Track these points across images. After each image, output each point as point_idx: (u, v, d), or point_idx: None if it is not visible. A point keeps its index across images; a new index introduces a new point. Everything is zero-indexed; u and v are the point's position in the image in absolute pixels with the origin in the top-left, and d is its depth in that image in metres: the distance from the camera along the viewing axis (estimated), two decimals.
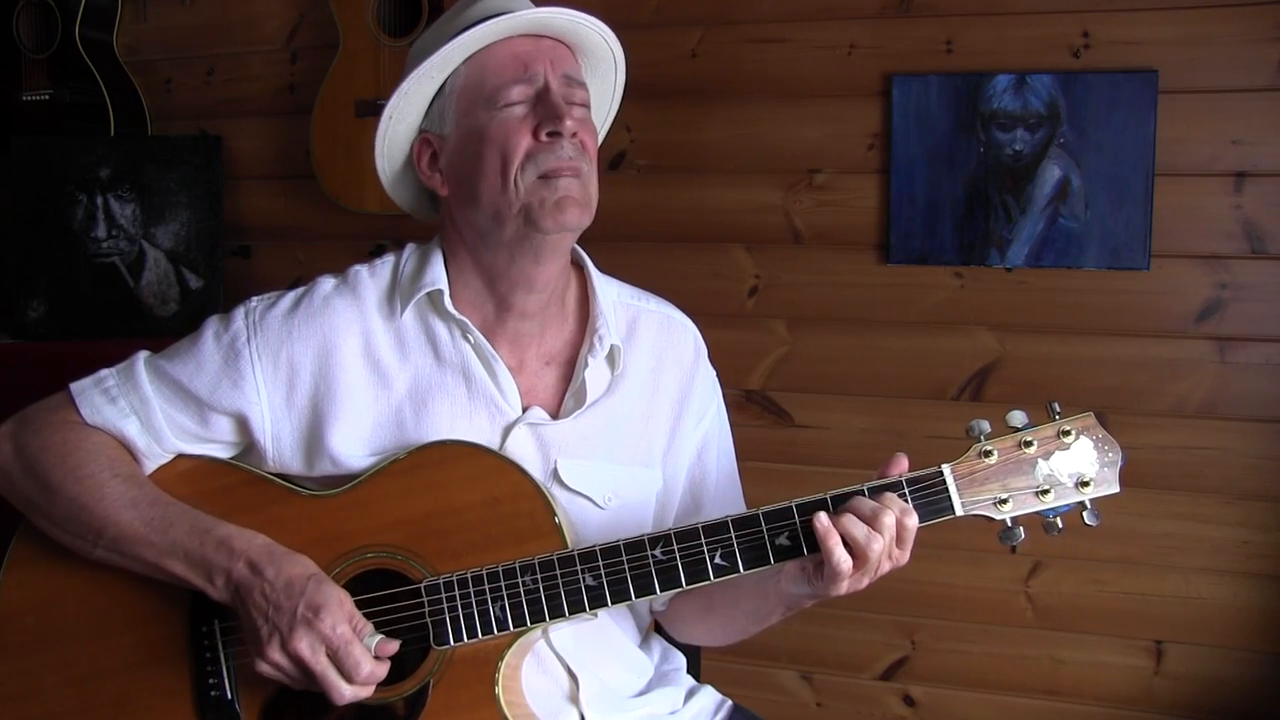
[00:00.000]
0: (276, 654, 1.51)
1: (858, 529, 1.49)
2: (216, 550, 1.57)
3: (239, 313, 1.73)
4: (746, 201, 3.07)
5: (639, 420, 1.79)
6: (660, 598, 1.73)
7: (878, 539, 1.48)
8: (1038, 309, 2.85)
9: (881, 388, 2.99)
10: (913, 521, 1.51)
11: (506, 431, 1.70)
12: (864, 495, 1.53)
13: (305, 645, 1.49)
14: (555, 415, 1.74)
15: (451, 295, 1.71)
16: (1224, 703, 2.77)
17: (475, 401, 1.70)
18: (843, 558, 1.49)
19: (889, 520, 1.49)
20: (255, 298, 1.75)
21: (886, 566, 1.52)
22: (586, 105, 1.71)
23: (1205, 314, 2.74)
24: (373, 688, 1.54)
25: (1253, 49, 2.66)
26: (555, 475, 1.70)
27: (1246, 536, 2.74)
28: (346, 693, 1.51)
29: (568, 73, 1.68)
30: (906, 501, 1.53)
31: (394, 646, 1.55)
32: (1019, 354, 2.88)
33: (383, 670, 1.53)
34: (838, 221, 3.00)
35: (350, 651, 1.50)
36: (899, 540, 1.51)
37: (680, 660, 1.95)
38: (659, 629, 2.02)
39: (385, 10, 3.17)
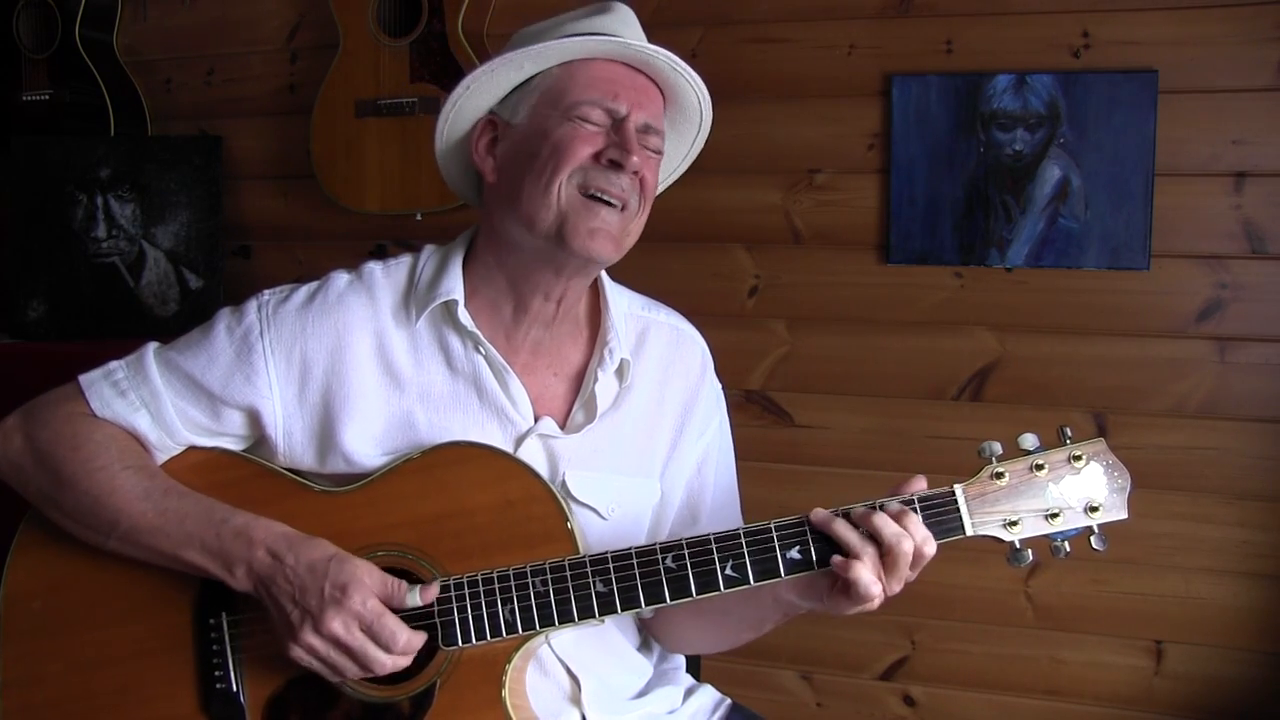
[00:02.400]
0: (311, 637, 1.51)
1: (851, 536, 1.52)
2: (235, 540, 1.58)
3: (251, 306, 1.73)
4: (746, 201, 3.07)
5: (643, 432, 1.80)
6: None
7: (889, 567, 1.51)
8: (1038, 309, 2.85)
9: (881, 388, 2.99)
10: (931, 550, 1.53)
11: (518, 442, 1.71)
12: (879, 510, 1.53)
13: (339, 624, 1.50)
14: (563, 424, 1.74)
15: (468, 302, 1.71)
16: (1224, 703, 2.78)
17: (486, 412, 1.71)
18: (871, 581, 1.50)
19: (906, 548, 1.50)
20: (267, 291, 1.75)
21: (896, 588, 1.54)
22: (659, 152, 1.71)
23: (1205, 314, 2.74)
24: (412, 656, 1.55)
25: (1253, 49, 2.66)
26: (564, 487, 1.70)
27: (1246, 536, 2.74)
28: (388, 663, 1.53)
29: (649, 122, 1.68)
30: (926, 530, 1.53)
31: (434, 591, 1.56)
32: (1019, 354, 2.88)
33: (420, 639, 1.54)
34: (838, 221, 3.00)
35: (384, 624, 1.52)
36: (911, 564, 1.52)
37: (679, 659, 1.95)
38: None
39: (385, 10, 3.17)
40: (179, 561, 1.61)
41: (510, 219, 1.68)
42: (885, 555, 1.50)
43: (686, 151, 1.86)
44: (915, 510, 1.54)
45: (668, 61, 1.67)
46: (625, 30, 1.70)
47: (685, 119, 1.79)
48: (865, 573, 1.49)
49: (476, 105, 1.73)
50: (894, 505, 1.54)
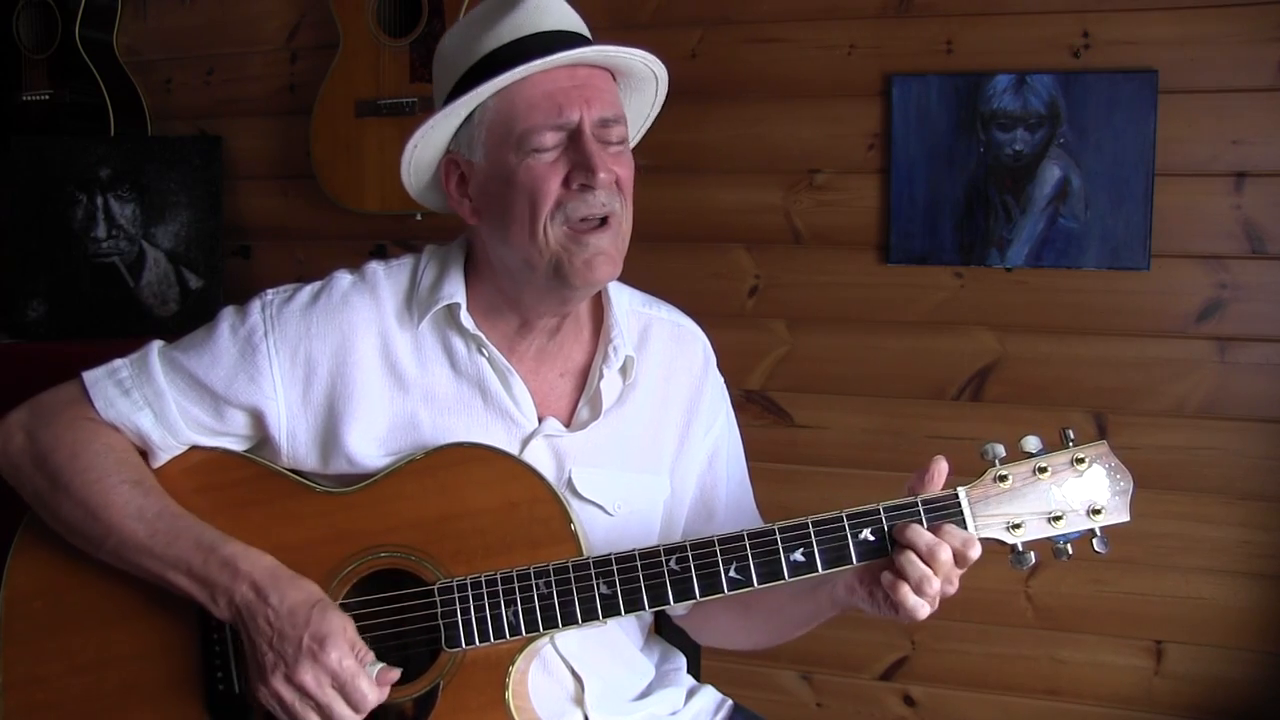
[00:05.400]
0: (280, 684, 1.52)
1: (914, 570, 1.50)
2: (221, 569, 1.57)
3: (255, 305, 1.72)
4: (746, 201, 3.07)
5: (649, 428, 1.80)
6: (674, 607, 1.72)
7: (933, 581, 1.50)
8: (1038, 309, 2.86)
9: (881, 388, 2.99)
10: (975, 552, 1.52)
11: (523, 444, 1.70)
12: (920, 524, 1.53)
13: (310, 678, 1.50)
14: (568, 423, 1.74)
15: (470, 307, 1.70)
16: (1224, 703, 2.78)
17: (491, 414, 1.70)
18: (918, 604, 1.51)
19: (945, 556, 1.50)
20: (271, 290, 1.74)
21: (950, 589, 1.54)
22: (624, 140, 1.66)
23: (1205, 314, 2.74)
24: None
25: (1253, 49, 2.67)
26: (570, 485, 1.70)
27: (1246, 536, 2.74)
28: None
29: (604, 116, 1.62)
30: (966, 529, 1.53)
31: (395, 674, 1.56)
32: (1019, 354, 2.88)
33: (384, 695, 1.54)
34: (838, 221, 3.00)
35: (357, 685, 1.52)
36: (956, 564, 1.52)
37: (680, 660, 1.96)
38: (659, 630, 2.02)
39: (385, 10, 3.17)
40: (165, 583, 1.60)
41: (505, 255, 1.66)
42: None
43: (650, 106, 1.79)
44: (918, 515, 1.54)
45: (598, 55, 1.62)
46: (540, 17, 1.63)
47: (639, 78, 1.72)
48: (909, 596, 1.50)
49: (433, 150, 1.69)
50: (894, 507, 1.55)
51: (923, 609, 1.51)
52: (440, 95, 1.68)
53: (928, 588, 1.49)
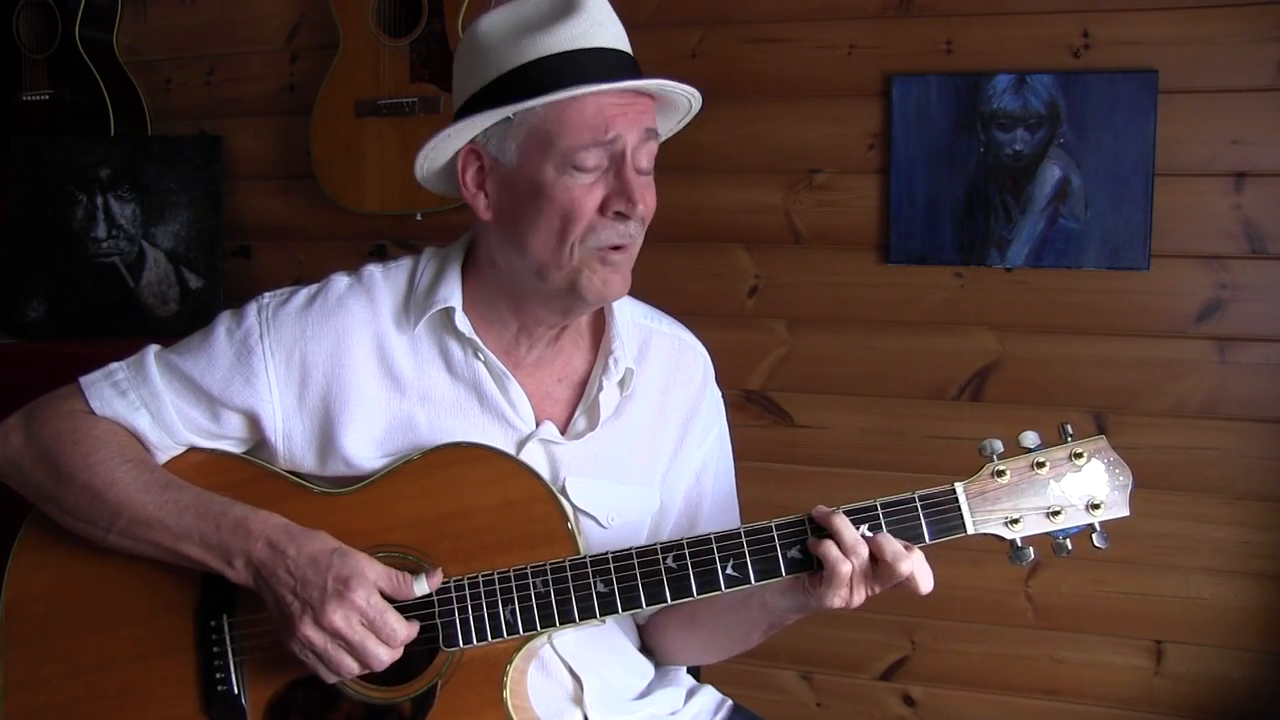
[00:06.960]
0: (309, 629, 1.51)
1: (849, 532, 1.52)
2: (234, 532, 1.57)
3: (251, 309, 1.72)
4: (746, 201, 3.07)
5: (644, 441, 1.79)
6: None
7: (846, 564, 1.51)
8: (1038, 309, 2.86)
9: (881, 388, 2.99)
10: (905, 567, 1.52)
11: (520, 447, 1.70)
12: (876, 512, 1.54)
13: (339, 617, 1.50)
14: (564, 430, 1.74)
15: (468, 310, 1.70)
16: (1224, 703, 2.78)
17: (488, 416, 1.70)
18: (839, 558, 1.51)
19: (863, 553, 1.52)
20: (268, 294, 1.74)
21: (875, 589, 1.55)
22: (653, 164, 1.64)
23: (1205, 314, 2.74)
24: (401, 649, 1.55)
25: (1253, 49, 2.67)
26: (564, 494, 1.69)
27: (1246, 536, 2.74)
28: (385, 660, 1.52)
29: (645, 131, 1.60)
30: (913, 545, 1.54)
31: (439, 577, 1.57)
32: (1019, 354, 2.88)
33: (414, 629, 1.54)
34: (838, 221, 3.00)
35: (386, 620, 1.51)
36: (885, 576, 1.53)
37: None
38: None
39: (385, 10, 3.17)
40: (177, 555, 1.60)
41: (516, 261, 1.65)
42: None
43: (674, 125, 1.78)
44: (915, 513, 1.54)
45: (656, 88, 1.61)
46: (597, 31, 1.59)
47: (673, 106, 1.71)
48: (833, 549, 1.51)
49: (460, 139, 1.65)
50: (892, 503, 1.55)
51: (843, 576, 1.51)
52: (472, 81, 1.63)
53: (844, 567, 1.51)
